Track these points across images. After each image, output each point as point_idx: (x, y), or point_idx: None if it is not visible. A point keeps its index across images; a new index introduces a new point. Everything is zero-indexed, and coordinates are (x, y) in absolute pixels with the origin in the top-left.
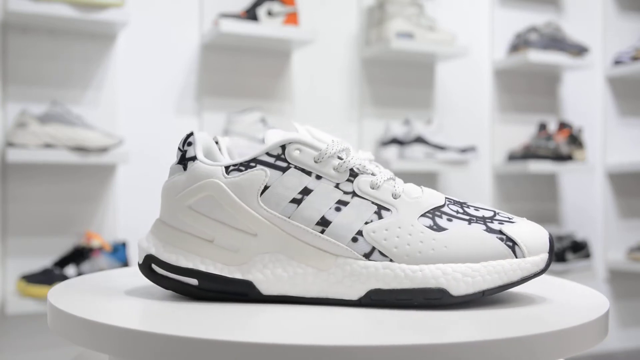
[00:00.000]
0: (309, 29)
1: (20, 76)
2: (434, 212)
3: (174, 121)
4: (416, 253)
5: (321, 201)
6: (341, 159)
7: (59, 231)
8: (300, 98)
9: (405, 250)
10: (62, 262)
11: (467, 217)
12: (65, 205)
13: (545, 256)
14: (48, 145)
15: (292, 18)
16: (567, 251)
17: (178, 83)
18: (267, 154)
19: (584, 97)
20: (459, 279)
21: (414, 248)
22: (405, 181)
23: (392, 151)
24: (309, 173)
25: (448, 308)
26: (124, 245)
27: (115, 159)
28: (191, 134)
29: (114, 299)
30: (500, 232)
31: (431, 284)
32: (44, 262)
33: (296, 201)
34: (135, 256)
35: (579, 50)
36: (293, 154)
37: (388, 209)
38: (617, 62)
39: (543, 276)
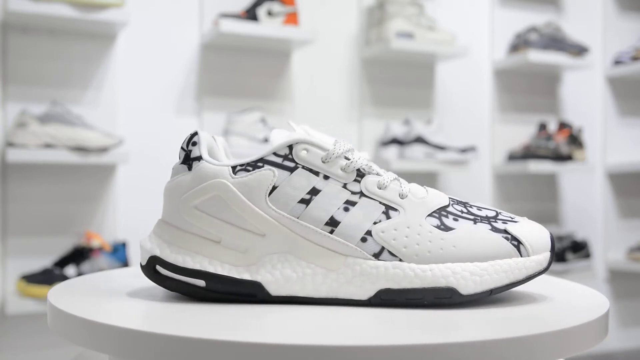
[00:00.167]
0: (309, 29)
1: (20, 76)
2: (440, 212)
3: (174, 121)
4: (425, 253)
5: (330, 201)
6: (348, 159)
7: (59, 231)
8: (300, 98)
9: (415, 250)
10: (62, 262)
11: (472, 217)
12: (65, 205)
13: (547, 255)
14: (48, 145)
15: (292, 18)
16: (567, 251)
17: (178, 83)
18: (275, 154)
19: (584, 97)
20: (468, 277)
21: (423, 248)
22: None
23: (392, 151)
24: (316, 173)
25: (450, 307)
26: (124, 245)
27: (115, 159)
28: (195, 133)
29: (114, 299)
30: (505, 231)
31: (441, 283)
32: (44, 262)
33: (305, 201)
34: (135, 256)
35: (579, 50)
36: (300, 154)
37: (396, 209)
38: (617, 62)
39: (543, 276)
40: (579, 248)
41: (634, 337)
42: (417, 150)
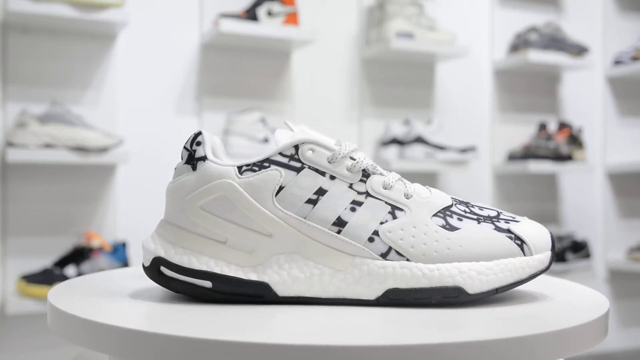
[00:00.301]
0: (309, 29)
1: (20, 76)
2: (445, 212)
3: (174, 121)
4: (432, 252)
5: (336, 201)
6: (354, 159)
7: (59, 231)
8: (300, 98)
9: (422, 250)
10: (62, 262)
11: (475, 217)
12: (65, 205)
13: (548, 254)
14: (48, 145)
15: (292, 18)
16: (567, 251)
17: (178, 83)
18: (281, 154)
19: (584, 97)
20: (474, 277)
21: (430, 247)
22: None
23: (392, 151)
24: (322, 173)
25: (452, 307)
26: (124, 245)
27: (115, 159)
28: (199, 133)
29: (114, 299)
30: (509, 230)
31: (448, 282)
32: (44, 262)
33: (312, 201)
34: (135, 256)
35: (579, 50)
36: (306, 154)
37: (401, 209)
38: (617, 62)
39: (543, 276)
40: (579, 248)
41: (634, 337)
42: (417, 150)
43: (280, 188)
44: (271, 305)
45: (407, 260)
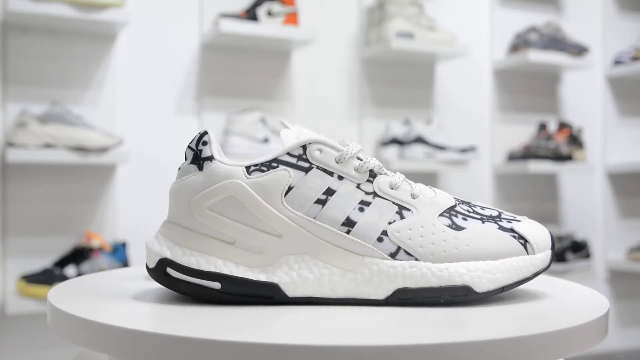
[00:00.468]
0: (309, 29)
1: (20, 76)
2: (450, 212)
3: (174, 121)
4: (441, 252)
5: (345, 202)
6: (360, 159)
7: (59, 231)
8: (300, 98)
9: (430, 249)
10: (62, 262)
11: (479, 217)
12: (65, 205)
13: (549, 253)
14: (48, 145)
15: (292, 18)
16: (567, 251)
17: (178, 83)
18: (289, 154)
19: (584, 97)
20: (482, 276)
21: (439, 247)
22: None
23: (392, 151)
24: (330, 173)
25: (455, 306)
26: (124, 245)
27: (115, 159)
28: (205, 132)
29: (114, 299)
30: (512, 230)
31: (457, 281)
32: (44, 262)
33: (321, 202)
34: (135, 256)
35: (579, 50)
36: (314, 154)
37: (409, 209)
38: (617, 62)
39: (543, 276)
40: (579, 248)
41: (634, 337)
42: (417, 150)
43: (289, 188)
44: (277, 305)
45: (416, 259)
